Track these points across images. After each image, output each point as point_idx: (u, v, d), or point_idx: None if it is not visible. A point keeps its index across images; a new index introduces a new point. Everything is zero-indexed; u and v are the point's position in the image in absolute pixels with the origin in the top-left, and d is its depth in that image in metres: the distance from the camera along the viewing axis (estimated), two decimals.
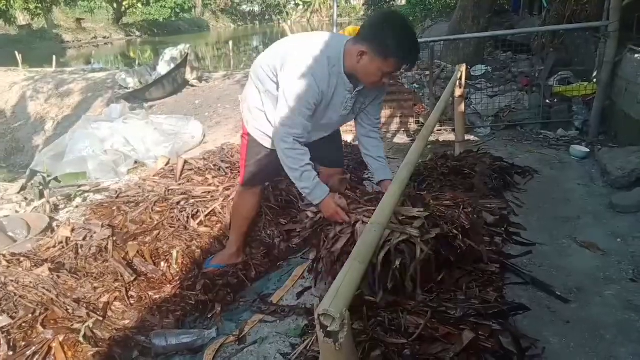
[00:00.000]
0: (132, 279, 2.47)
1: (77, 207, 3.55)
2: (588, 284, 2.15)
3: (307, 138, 2.00)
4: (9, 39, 21.42)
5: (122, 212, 3.06)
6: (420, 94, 5.55)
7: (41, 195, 3.79)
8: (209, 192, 3.21)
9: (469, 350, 1.50)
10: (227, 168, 3.53)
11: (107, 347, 2.08)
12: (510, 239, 2.49)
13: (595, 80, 4.57)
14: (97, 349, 2.04)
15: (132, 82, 8.96)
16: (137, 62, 15.20)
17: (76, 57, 20.80)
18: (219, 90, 8.53)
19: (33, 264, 2.48)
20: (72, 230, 2.79)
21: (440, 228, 1.91)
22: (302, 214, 2.24)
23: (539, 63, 6.17)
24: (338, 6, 9.00)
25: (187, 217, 2.93)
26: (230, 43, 14.39)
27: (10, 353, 1.96)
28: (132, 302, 2.39)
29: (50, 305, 2.18)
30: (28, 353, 1.95)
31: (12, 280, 2.29)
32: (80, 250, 2.63)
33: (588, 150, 3.88)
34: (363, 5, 30.63)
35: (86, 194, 3.83)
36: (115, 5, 28.32)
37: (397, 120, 5.10)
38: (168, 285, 2.55)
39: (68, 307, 2.21)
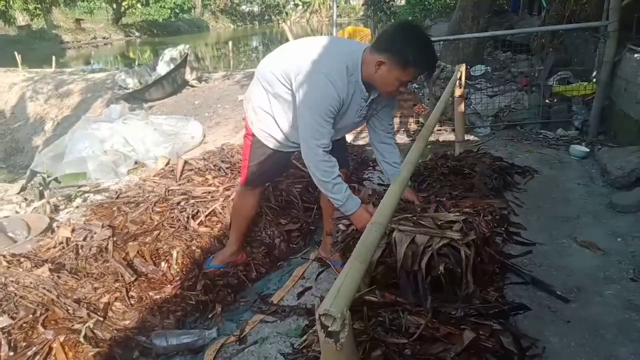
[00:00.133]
0: (133, 279, 2.47)
1: (77, 207, 3.56)
2: (588, 284, 2.15)
3: None
4: (8, 40, 21.37)
5: (123, 212, 3.07)
6: (420, 94, 5.56)
7: (41, 196, 3.79)
8: (209, 192, 3.21)
9: (469, 350, 1.50)
10: (227, 168, 3.54)
11: (108, 348, 2.08)
12: (511, 239, 2.49)
13: (594, 80, 4.57)
14: (97, 349, 2.05)
15: (132, 83, 8.97)
16: (136, 63, 15.21)
17: (76, 58, 20.81)
18: (219, 90, 8.54)
19: (33, 265, 2.48)
20: (73, 230, 2.79)
21: (474, 232, 1.89)
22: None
23: (538, 63, 6.17)
24: (337, 6, 8.99)
25: (187, 218, 2.94)
26: (230, 43, 14.39)
27: (11, 353, 1.96)
28: (132, 302, 2.40)
29: (50, 306, 2.18)
30: (29, 353, 1.96)
31: (12, 281, 2.29)
32: (80, 251, 2.63)
33: (588, 149, 3.89)
34: (362, 5, 30.61)
35: (86, 195, 3.84)
36: (114, 6, 28.28)
37: (397, 120, 5.10)
38: (168, 286, 2.56)
39: (68, 308, 2.21)
